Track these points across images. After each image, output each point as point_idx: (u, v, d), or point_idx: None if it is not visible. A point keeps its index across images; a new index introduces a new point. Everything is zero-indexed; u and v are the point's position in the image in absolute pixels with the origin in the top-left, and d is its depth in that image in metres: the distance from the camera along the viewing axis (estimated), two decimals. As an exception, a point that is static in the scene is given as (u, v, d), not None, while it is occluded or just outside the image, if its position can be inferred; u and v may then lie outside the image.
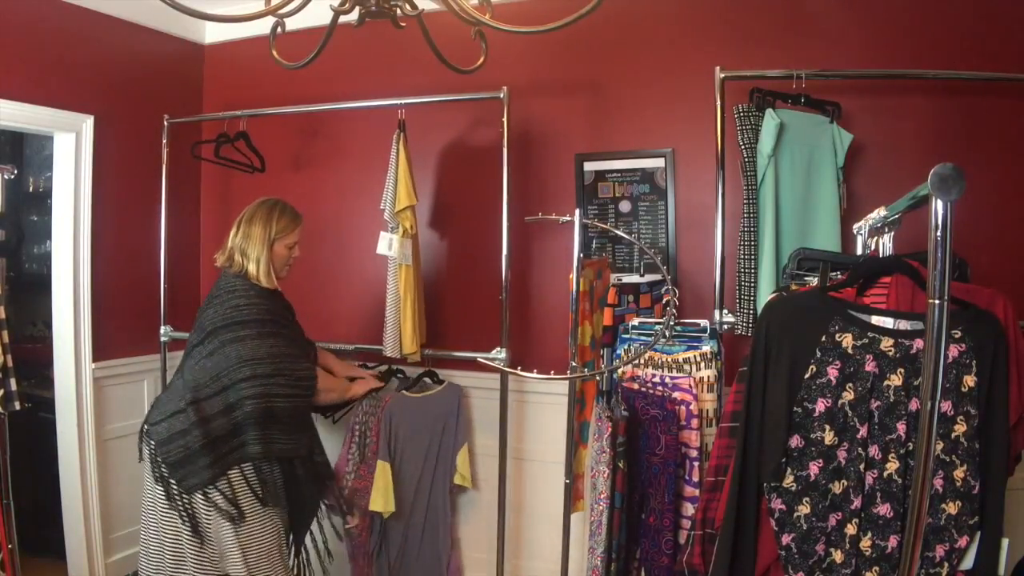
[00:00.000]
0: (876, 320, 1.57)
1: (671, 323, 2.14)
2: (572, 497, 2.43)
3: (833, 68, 2.44)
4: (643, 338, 2.30)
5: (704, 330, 2.26)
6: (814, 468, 1.54)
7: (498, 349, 2.77)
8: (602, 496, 2.10)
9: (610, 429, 2.08)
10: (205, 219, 3.71)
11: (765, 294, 2.23)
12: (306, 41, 1.30)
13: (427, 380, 3.00)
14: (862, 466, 1.52)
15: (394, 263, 2.70)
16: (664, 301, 2.37)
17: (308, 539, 2.56)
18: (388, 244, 2.66)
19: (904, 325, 1.55)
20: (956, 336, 1.48)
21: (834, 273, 1.82)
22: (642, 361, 2.27)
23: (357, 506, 2.81)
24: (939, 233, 1.14)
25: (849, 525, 1.53)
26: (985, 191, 2.36)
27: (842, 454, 1.53)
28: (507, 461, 2.82)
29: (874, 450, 1.52)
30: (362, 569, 2.87)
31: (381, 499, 2.77)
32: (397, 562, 2.90)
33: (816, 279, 1.79)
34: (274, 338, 2.27)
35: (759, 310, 2.13)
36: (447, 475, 2.97)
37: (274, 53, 1.38)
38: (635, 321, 2.36)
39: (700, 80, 2.56)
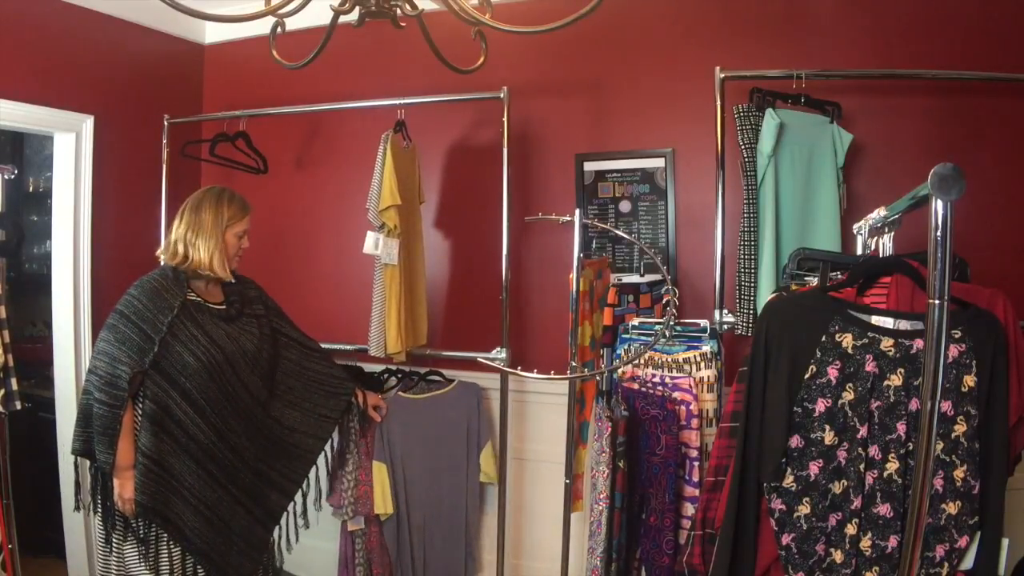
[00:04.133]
0: (876, 320, 1.57)
1: (671, 323, 2.14)
2: (572, 497, 2.43)
3: (833, 68, 2.44)
4: (643, 338, 2.30)
5: (704, 330, 2.26)
6: (814, 468, 1.54)
7: (498, 349, 2.77)
8: (602, 496, 2.10)
9: (610, 429, 2.08)
10: (205, 219, 3.71)
11: (765, 294, 2.23)
12: (306, 41, 1.30)
13: (432, 381, 2.99)
14: (862, 466, 1.52)
15: (379, 262, 2.70)
16: (664, 301, 2.37)
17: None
18: (374, 243, 2.67)
19: (904, 325, 1.55)
20: (956, 336, 1.48)
21: (834, 273, 1.82)
22: (642, 361, 2.27)
23: (360, 512, 2.79)
24: (939, 233, 1.14)
25: (849, 525, 1.53)
26: (985, 191, 2.36)
27: (842, 454, 1.53)
28: (507, 461, 2.82)
29: (874, 450, 1.52)
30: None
31: (380, 500, 2.77)
32: (420, 568, 2.88)
33: (816, 279, 1.79)
34: (111, 331, 2.12)
35: (759, 310, 2.13)
36: (471, 476, 2.94)
37: (274, 53, 1.38)
38: (635, 321, 2.36)
39: (700, 80, 2.57)
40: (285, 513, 2.49)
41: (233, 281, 2.35)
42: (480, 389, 3.01)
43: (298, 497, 2.53)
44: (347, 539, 2.87)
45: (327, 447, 2.61)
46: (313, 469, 2.56)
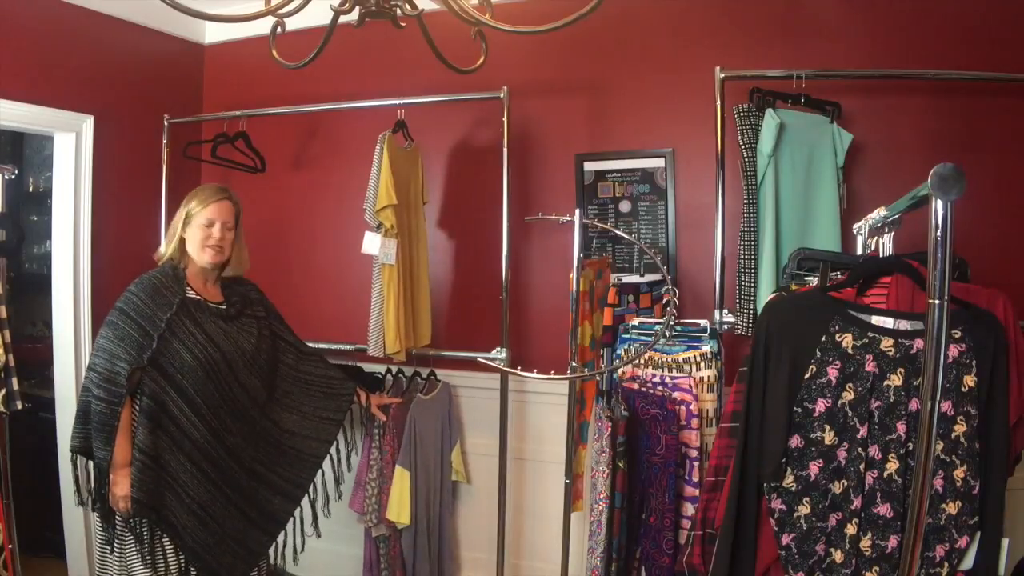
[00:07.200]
0: (876, 320, 1.57)
1: (671, 323, 2.14)
2: (572, 497, 2.43)
3: (833, 68, 2.44)
4: (643, 338, 2.30)
5: (704, 330, 2.26)
6: (814, 468, 1.54)
7: (498, 349, 2.77)
8: (602, 496, 2.10)
9: (610, 429, 2.08)
10: (205, 219, 3.71)
11: (765, 294, 2.23)
12: (306, 41, 1.30)
13: (431, 380, 3.00)
14: (862, 466, 1.52)
15: (378, 262, 2.70)
16: (664, 301, 2.37)
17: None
18: (372, 243, 2.67)
19: (904, 325, 1.55)
20: (956, 336, 1.48)
21: (834, 273, 1.82)
22: (642, 361, 2.27)
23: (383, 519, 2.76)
24: (939, 233, 1.14)
25: (849, 525, 1.53)
26: (985, 191, 2.36)
27: (842, 454, 1.53)
28: (507, 461, 2.82)
29: (874, 450, 1.52)
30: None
31: (396, 508, 2.72)
32: (426, 569, 2.87)
33: (816, 279, 1.79)
34: (111, 328, 2.12)
35: (759, 310, 2.13)
36: (447, 474, 2.99)
37: (274, 53, 1.38)
38: (635, 321, 2.36)
39: (700, 80, 2.57)
40: (292, 519, 2.47)
41: (235, 276, 2.35)
42: (450, 388, 3.03)
43: (305, 503, 2.51)
44: (371, 545, 2.84)
45: (333, 450, 2.58)
46: (319, 473, 2.53)
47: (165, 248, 2.28)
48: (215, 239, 2.23)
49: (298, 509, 2.49)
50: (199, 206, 2.24)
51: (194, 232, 2.23)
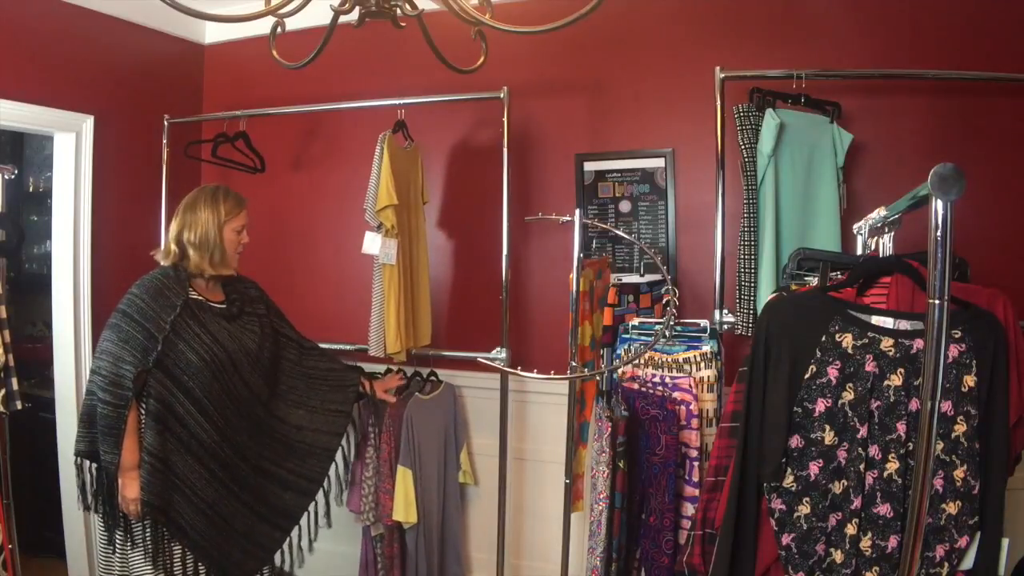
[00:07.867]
0: (876, 320, 1.57)
1: (671, 323, 2.14)
2: (572, 497, 2.43)
3: (833, 68, 2.44)
4: (643, 338, 2.30)
5: (704, 330, 2.26)
6: (814, 468, 1.54)
7: (498, 349, 2.77)
8: (602, 496, 2.10)
9: (610, 429, 2.08)
10: (205, 219, 3.71)
11: (765, 294, 2.23)
12: (306, 41, 1.30)
13: (432, 381, 3.00)
14: (862, 466, 1.52)
15: (378, 262, 2.71)
16: (664, 301, 2.37)
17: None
18: (372, 243, 2.67)
19: (904, 325, 1.55)
20: (956, 336, 1.48)
21: (834, 273, 1.82)
22: (642, 361, 2.27)
23: (380, 519, 2.77)
24: (939, 233, 1.14)
25: (849, 525, 1.53)
26: (985, 191, 2.36)
27: (842, 454, 1.53)
28: (507, 461, 2.82)
29: (874, 450, 1.52)
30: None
31: (403, 508, 2.72)
32: (425, 568, 2.87)
33: (816, 279, 1.79)
34: (114, 331, 2.11)
35: (759, 310, 2.13)
36: (455, 475, 2.99)
37: (274, 53, 1.38)
38: (635, 321, 2.36)
39: (700, 80, 2.57)
40: (306, 513, 2.48)
41: (235, 275, 2.35)
42: (455, 389, 3.03)
43: (319, 497, 2.52)
44: (368, 544, 2.84)
45: (344, 442, 2.58)
46: (332, 467, 2.54)
47: (171, 248, 2.23)
48: (245, 244, 2.32)
49: (312, 503, 2.49)
50: (234, 212, 2.27)
51: (228, 237, 2.26)
